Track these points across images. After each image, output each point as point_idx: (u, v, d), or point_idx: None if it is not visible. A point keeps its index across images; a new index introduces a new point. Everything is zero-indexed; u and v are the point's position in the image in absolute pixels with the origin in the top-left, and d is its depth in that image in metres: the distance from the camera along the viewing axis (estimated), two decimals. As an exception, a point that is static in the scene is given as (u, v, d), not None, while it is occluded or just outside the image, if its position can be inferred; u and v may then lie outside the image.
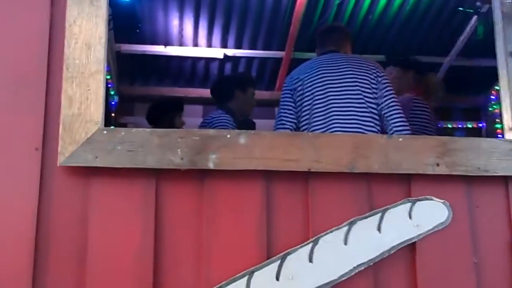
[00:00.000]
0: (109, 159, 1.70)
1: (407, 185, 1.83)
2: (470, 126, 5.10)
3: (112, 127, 1.75)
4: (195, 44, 4.40)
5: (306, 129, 2.83)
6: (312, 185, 1.79)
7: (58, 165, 1.69)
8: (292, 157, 1.76)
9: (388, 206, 1.80)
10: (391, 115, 2.80)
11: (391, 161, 1.81)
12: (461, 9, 3.92)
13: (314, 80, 2.87)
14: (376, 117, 2.80)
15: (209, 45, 4.42)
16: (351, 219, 1.76)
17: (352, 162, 1.79)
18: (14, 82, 1.74)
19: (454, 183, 1.84)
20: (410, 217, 1.80)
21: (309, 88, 2.87)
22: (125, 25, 3.44)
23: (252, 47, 4.48)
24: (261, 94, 4.87)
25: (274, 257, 1.71)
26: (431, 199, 1.82)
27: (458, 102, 5.04)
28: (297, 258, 1.72)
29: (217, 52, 4.45)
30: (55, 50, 1.78)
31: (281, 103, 2.97)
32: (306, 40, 4.32)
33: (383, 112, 2.81)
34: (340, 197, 1.79)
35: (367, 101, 2.80)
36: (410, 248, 1.78)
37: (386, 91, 2.84)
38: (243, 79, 3.73)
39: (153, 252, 1.68)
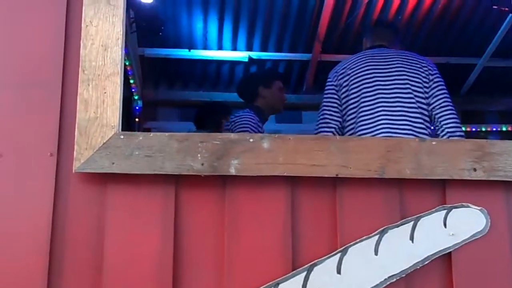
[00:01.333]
0: (126, 165, 1.63)
1: (441, 191, 1.72)
2: (505, 129, 4.94)
3: (129, 132, 1.68)
4: (220, 47, 4.34)
5: (352, 128, 2.67)
6: (340, 192, 1.69)
7: (73, 171, 1.62)
8: (318, 162, 1.67)
9: (421, 214, 1.70)
10: (443, 115, 2.63)
11: (424, 166, 1.70)
12: (495, 7, 3.77)
13: (362, 75, 2.70)
14: (427, 118, 2.64)
15: (234, 48, 4.35)
16: (382, 228, 1.67)
17: (382, 167, 1.69)
18: (29, 84, 1.69)
19: (492, 189, 1.73)
20: (445, 225, 1.69)
21: (356, 84, 2.70)
22: (147, 28, 3.39)
23: (278, 49, 4.40)
24: (287, 98, 4.80)
25: (300, 268, 1.62)
26: (468, 206, 1.71)
27: (492, 104, 4.89)
28: (325, 269, 1.63)
29: (242, 55, 4.38)
30: (71, 51, 1.73)
31: (325, 99, 2.78)
32: (333, 41, 4.23)
33: (434, 113, 2.64)
34: (370, 205, 1.70)
35: (418, 101, 2.63)
36: (445, 259, 1.68)
37: (438, 90, 2.67)
38: (266, 74, 3.64)
39: (172, 261, 1.61)
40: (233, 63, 4.49)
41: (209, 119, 3.57)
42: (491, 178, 1.72)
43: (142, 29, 3.45)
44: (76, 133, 1.65)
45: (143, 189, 1.65)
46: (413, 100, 2.63)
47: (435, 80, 2.68)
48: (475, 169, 1.72)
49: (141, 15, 3.19)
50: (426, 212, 1.70)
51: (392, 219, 1.68)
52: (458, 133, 2.61)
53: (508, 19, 3.93)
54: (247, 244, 1.64)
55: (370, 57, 2.78)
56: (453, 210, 1.71)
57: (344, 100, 2.72)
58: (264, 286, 1.60)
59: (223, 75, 4.63)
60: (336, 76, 2.77)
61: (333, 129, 2.70)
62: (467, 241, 1.69)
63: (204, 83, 4.71)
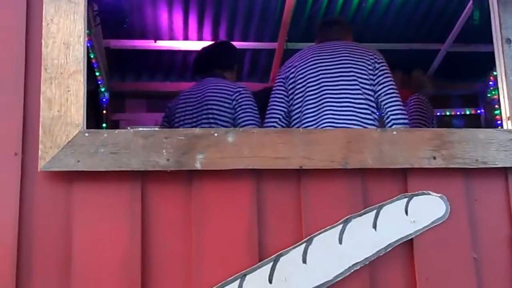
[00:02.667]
0: (91, 163, 1.63)
1: (403, 180, 1.77)
2: (468, 112, 5.04)
3: (94, 129, 1.68)
4: (186, 38, 4.32)
5: (297, 118, 2.71)
6: (304, 183, 1.72)
7: (39, 170, 1.62)
8: (282, 154, 1.70)
9: (384, 203, 1.74)
10: (388, 102, 2.66)
11: (386, 156, 1.75)
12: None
13: (307, 66, 2.75)
14: (373, 105, 2.67)
15: (200, 38, 4.34)
16: (346, 217, 1.71)
17: (345, 158, 1.72)
18: (-10, 84, 1.68)
19: (451, 176, 1.79)
20: (406, 213, 1.74)
21: (302, 75, 2.75)
22: (111, 19, 3.36)
23: (244, 39, 4.40)
24: (254, 86, 4.81)
25: (267, 259, 1.65)
26: (428, 194, 1.76)
27: (456, 89, 4.98)
28: (290, 259, 1.66)
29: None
30: (33, 50, 1.71)
31: (273, 91, 2.84)
32: (299, 30, 4.24)
33: (379, 100, 2.67)
34: (334, 195, 1.73)
35: (364, 92, 2.66)
36: (407, 245, 1.73)
37: (384, 77, 2.70)
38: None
39: (140, 257, 1.62)
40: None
41: (224, 57, 3.15)
42: (450, 166, 1.77)
43: (106, 21, 3.42)
44: (40, 132, 1.64)
45: (109, 186, 1.65)
46: (359, 91, 2.67)
47: (381, 68, 2.72)
48: (434, 157, 1.76)
49: (104, 7, 3.16)
50: (389, 201, 1.74)
51: (355, 208, 1.72)
52: (401, 120, 2.65)
53: (469, 5, 4.00)
54: (214, 237, 1.66)
55: (317, 50, 2.82)
56: (414, 197, 1.76)
57: (290, 92, 2.77)
58: (232, 277, 1.63)
59: (190, 65, 4.61)
60: (285, 69, 2.83)
61: (277, 119, 2.74)
62: (428, 228, 1.74)
63: (171, 73, 4.69)
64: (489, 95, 4.91)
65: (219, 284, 1.62)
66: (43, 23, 1.71)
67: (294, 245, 1.67)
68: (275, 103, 2.79)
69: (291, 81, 2.78)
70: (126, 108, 4.73)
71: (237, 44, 4.38)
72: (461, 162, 1.77)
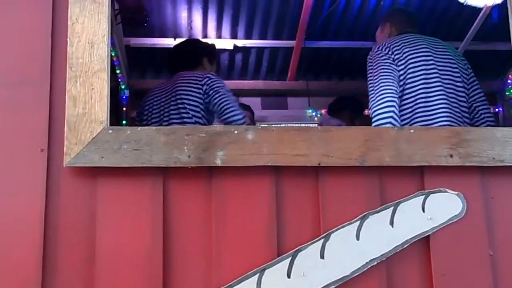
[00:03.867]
0: (115, 159, 1.68)
1: (420, 177, 1.79)
2: (487, 110, 5.01)
3: (117, 126, 1.72)
4: (205, 36, 4.36)
5: (410, 114, 2.56)
6: (323, 180, 1.75)
7: (64, 166, 1.67)
8: (301, 152, 1.73)
9: (401, 200, 1.76)
10: (482, 106, 2.72)
11: (403, 154, 1.77)
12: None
13: (420, 55, 2.62)
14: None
15: (219, 36, 4.38)
16: (363, 214, 1.73)
17: (362, 156, 1.75)
18: (17, 81, 1.73)
19: (468, 174, 1.80)
20: (423, 210, 1.76)
21: (415, 64, 2.60)
22: (132, 18, 3.41)
23: (262, 37, 4.43)
24: (272, 84, 4.84)
25: (285, 254, 1.68)
26: (445, 191, 1.78)
27: (473, 87, 4.95)
28: (308, 254, 1.69)
29: (227, 43, 4.41)
30: (58, 48, 1.76)
31: (382, 70, 2.57)
32: (317, 28, 4.26)
33: (475, 104, 2.70)
34: (351, 192, 1.76)
35: (465, 92, 2.68)
36: (424, 242, 1.75)
37: (476, 84, 2.74)
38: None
39: (162, 251, 1.66)
40: (218, 51, 4.51)
41: (191, 56, 3.16)
42: (467, 164, 1.78)
43: (127, 20, 3.47)
44: (65, 129, 1.69)
45: (132, 182, 1.70)
46: (464, 93, 2.67)
47: (472, 74, 2.77)
48: (451, 155, 1.78)
49: (126, 6, 3.21)
50: (405, 198, 1.77)
51: (372, 205, 1.75)
52: (490, 121, 2.72)
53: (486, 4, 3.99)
54: (234, 232, 1.70)
55: (425, 41, 2.71)
56: (431, 195, 1.78)
57: (402, 77, 2.59)
58: (251, 272, 1.66)
59: (209, 63, 4.66)
60: (390, 49, 2.65)
61: (394, 103, 2.49)
62: (444, 225, 1.76)
63: (190, 71, 4.73)
64: (507, 93, 4.88)
65: (239, 278, 1.65)
66: (68, 23, 1.76)
67: (312, 241, 1.70)
68: (389, 80, 2.54)
69: (401, 66, 2.60)
70: (146, 105, 4.78)
71: (256, 42, 4.44)
72: (478, 160, 1.79)
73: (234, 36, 4.40)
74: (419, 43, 2.68)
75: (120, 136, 1.70)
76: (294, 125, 4.80)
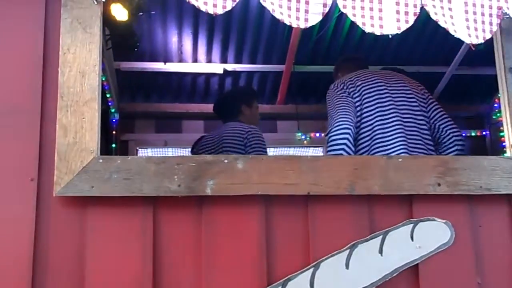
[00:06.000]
0: (105, 188, 1.68)
1: (408, 206, 1.81)
2: (474, 134, 5.05)
3: (108, 155, 1.73)
4: (195, 60, 4.37)
5: (367, 144, 2.61)
6: (312, 209, 1.77)
7: (54, 195, 1.67)
8: (290, 181, 1.74)
9: (390, 228, 1.78)
10: (445, 124, 2.74)
11: (392, 182, 1.79)
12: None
13: (375, 87, 2.70)
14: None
15: (209, 60, 4.39)
16: (352, 242, 1.74)
17: (351, 184, 1.76)
18: (8, 110, 1.74)
19: (456, 202, 1.82)
20: (412, 238, 1.78)
21: (370, 96, 2.68)
22: (123, 43, 3.43)
23: (252, 61, 4.45)
24: (262, 108, 4.85)
25: (275, 283, 1.69)
26: (433, 220, 1.80)
27: (461, 110, 5.00)
28: (298, 283, 1.70)
29: (217, 68, 4.43)
30: (50, 78, 1.78)
31: (339, 101, 2.66)
32: (306, 53, 4.30)
33: (437, 123, 2.74)
34: (341, 220, 1.77)
35: (423, 115, 2.72)
36: (412, 270, 1.76)
37: (435, 104, 2.80)
38: (247, 93, 3.76)
39: (152, 281, 1.66)
40: (208, 75, 4.52)
41: (230, 107, 3.52)
42: (455, 193, 1.81)
43: (118, 45, 3.48)
44: (56, 158, 1.69)
45: (122, 211, 1.70)
46: (423, 117, 2.71)
47: (430, 97, 2.83)
48: (439, 184, 1.80)
49: (116, 31, 3.23)
50: (394, 226, 1.78)
51: (362, 234, 1.76)
52: (456, 135, 2.74)
53: (474, 29, 4.04)
54: (223, 261, 1.70)
55: (376, 73, 2.82)
56: (420, 223, 1.79)
57: (358, 108, 2.67)
58: (241, 301, 1.66)
59: (199, 87, 4.66)
60: (344, 84, 2.75)
61: (349, 132, 2.56)
62: (433, 253, 1.77)
63: (180, 95, 4.73)
64: (494, 117, 4.93)
65: (228, 307, 1.66)
66: (60, 52, 1.77)
67: (302, 270, 1.70)
68: (347, 113, 2.61)
69: (357, 99, 2.68)
70: (136, 128, 4.78)
71: (246, 66, 4.46)
72: (465, 189, 1.81)
73: (224, 60, 4.42)
74: (372, 76, 2.79)
75: (110, 165, 1.70)
76: (283, 148, 4.83)
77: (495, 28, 1.86)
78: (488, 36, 1.86)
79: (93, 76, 1.76)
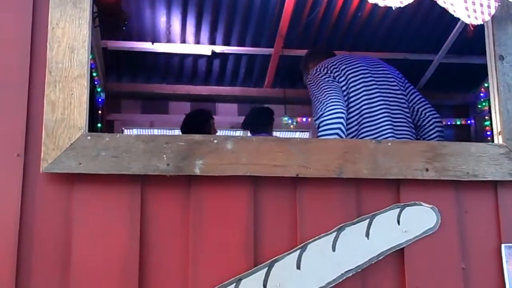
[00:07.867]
0: (93, 166, 1.67)
1: (396, 190, 1.82)
2: (459, 123, 5.09)
3: (96, 133, 1.71)
4: (183, 41, 4.34)
5: (355, 129, 2.64)
6: (300, 191, 1.77)
7: (41, 171, 1.65)
8: (279, 162, 1.74)
9: (377, 212, 1.78)
10: (424, 106, 2.80)
11: (380, 167, 1.79)
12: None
13: (360, 72, 2.73)
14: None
15: (197, 41, 4.36)
16: (340, 225, 1.75)
17: (340, 168, 1.77)
18: (-5, 86, 1.71)
19: (443, 188, 1.83)
20: (398, 222, 1.79)
21: (355, 80, 2.70)
22: (111, 22, 3.39)
23: (241, 44, 4.43)
24: (249, 91, 4.85)
25: (262, 264, 1.69)
26: (420, 205, 1.81)
27: (447, 99, 5.03)
28: (285, 265, 1.70)
29: (205, 49, 4.40)
30: (38, 53, 1.75)
31: (326, 85, 2.66)
32: (295, 36, 4.28)
33: (416, 107, 2.79)
34: (328, 203, 1.78)
35: (405, 100, 2.77)
36: (398, 254, 1.78)
37: (412, 88, 2.84)
38: (271, 115, 4.35)
39: (138, 259, 1.66)
40: (196, 57, 4.50)
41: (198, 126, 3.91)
42: (442, 178, 1.82)
43: (105, 24, 3.44)
44: (43, 134, 1.67)
45: (109, 189, 1.69)
46: (405, 100, 2.76)
47: (406, 81, 2.88)
48: (427, 169, 1.81)
49: (104, 9, 3.19)
50: (381, 210, 1.79)
51: (349, 217, 1.77)
52: (435, 117, 2.81)
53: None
54: (211, 241, 1.70)
55: (358, 58, 2.84)
56: (406, 208, 1.80)
57: (344, 93, 2.68)
58: (227, 281, 1.66)
59: (186, 68, 4.64)
60: (328, 69, 2.76)
61: (342, 121, 2.55)
62: (419, 237, 1.79)
63: (168, 76, 4.71)
64: (479, 106, 4.97)
65: (215, 287, 1.65)
66: (49, 27, 1.74)
67: (289, 251, 1.71)
68: (337, 98, 2.60)
69: (343, 83, 2.69)
70: (122, 108, 4.74)
71: (234, 49, 4.44)
72: (452, 175, 1.82)
73: (212, 42, 4.39)
74: (355, 61, 2.80)
75: (98, 142, 1.69)
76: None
77: (493, 11, 1.86)
78: (487, 18, 1.86)
79: (82, 52, 1.74)
